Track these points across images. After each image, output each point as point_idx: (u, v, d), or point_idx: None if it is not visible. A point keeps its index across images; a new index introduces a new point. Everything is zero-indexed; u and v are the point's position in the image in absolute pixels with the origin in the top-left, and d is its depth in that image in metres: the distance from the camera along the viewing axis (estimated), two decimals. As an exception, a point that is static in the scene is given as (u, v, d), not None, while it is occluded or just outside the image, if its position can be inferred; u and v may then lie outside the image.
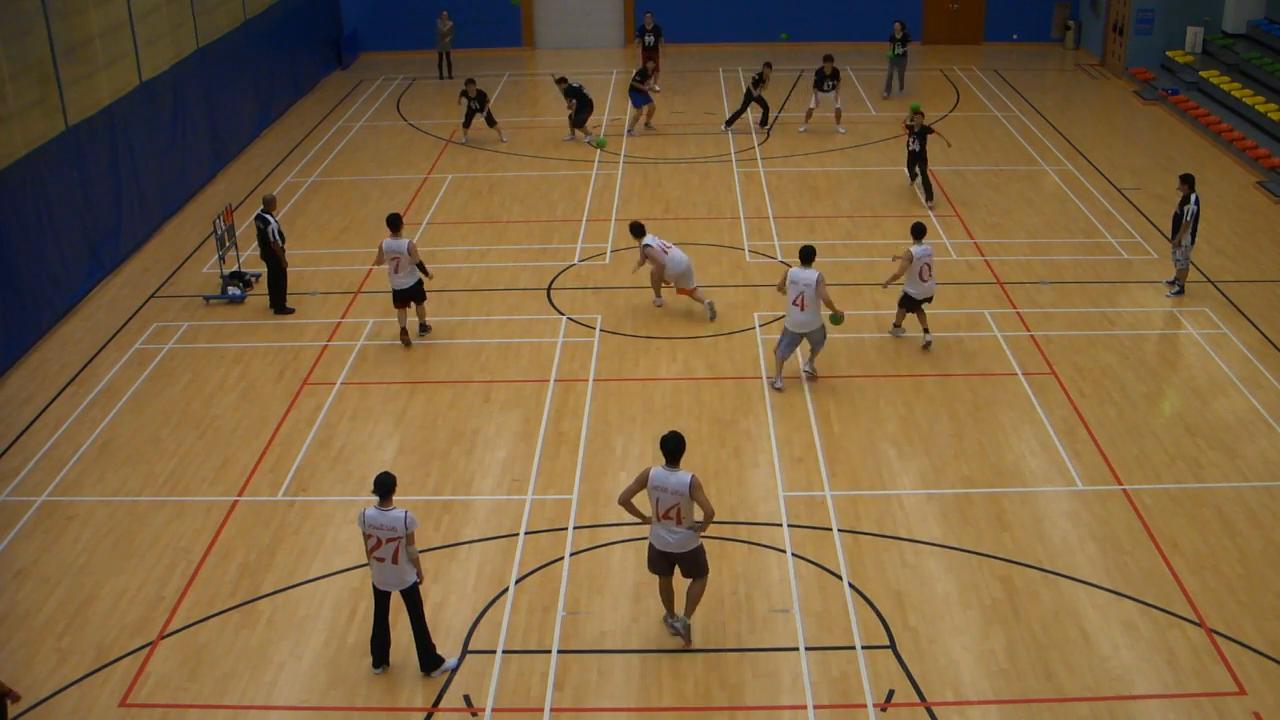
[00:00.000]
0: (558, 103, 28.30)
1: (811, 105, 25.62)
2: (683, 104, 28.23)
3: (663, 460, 10.38)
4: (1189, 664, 10.55)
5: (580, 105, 25.01)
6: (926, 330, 15.94)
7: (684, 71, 30.98)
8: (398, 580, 10.27)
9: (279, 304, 17.58)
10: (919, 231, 15.82)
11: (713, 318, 16.90)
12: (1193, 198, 17.05)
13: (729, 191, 22.20)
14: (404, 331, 16.38)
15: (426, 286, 16.64)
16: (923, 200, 21.17)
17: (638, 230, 17.09)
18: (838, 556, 12.01)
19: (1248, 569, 11.75)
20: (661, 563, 10.66)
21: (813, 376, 15.30)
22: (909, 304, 15.92)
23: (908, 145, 21.45)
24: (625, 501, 10.51)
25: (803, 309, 14.57)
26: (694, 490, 10.20)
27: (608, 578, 11.79)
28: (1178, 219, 17.19)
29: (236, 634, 11.17)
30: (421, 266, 16.16)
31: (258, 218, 17.38)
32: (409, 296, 16.36)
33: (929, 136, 21.09)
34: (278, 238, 17.14)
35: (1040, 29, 33.73)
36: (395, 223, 16.14)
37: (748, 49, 32.02)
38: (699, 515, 10.42)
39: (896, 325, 16.39)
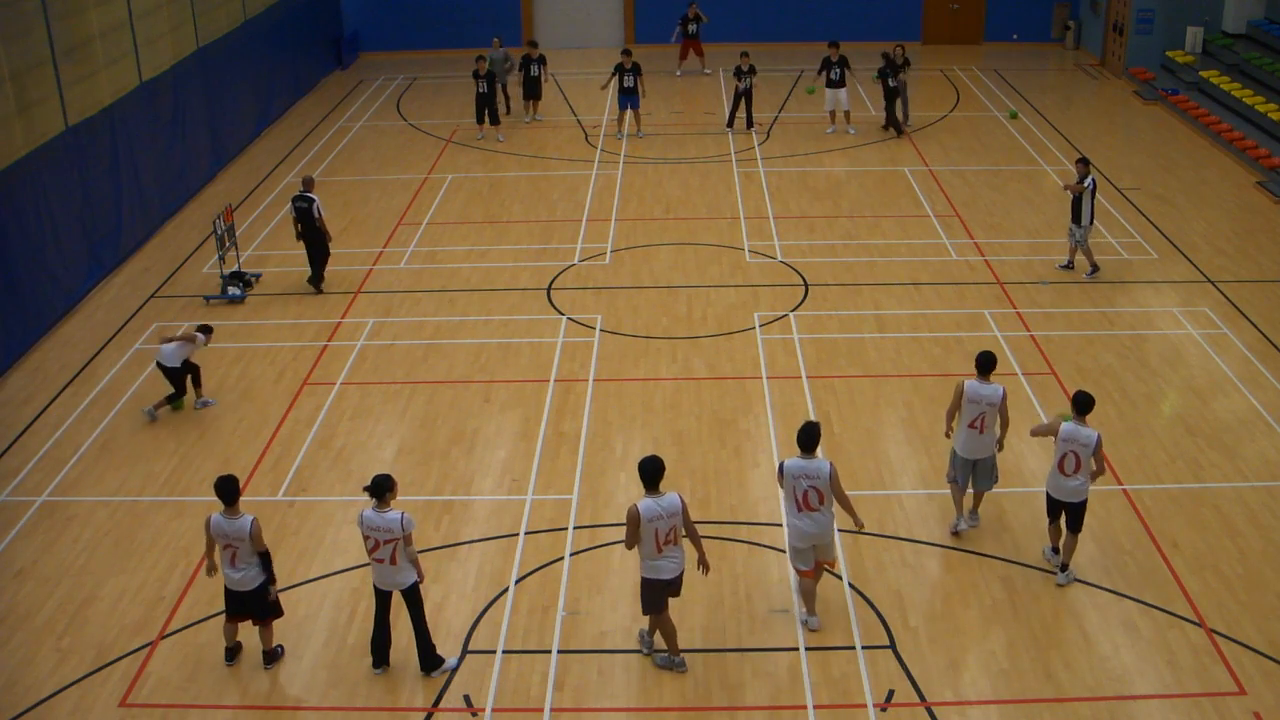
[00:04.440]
0: (557, 102, 28.32)
1: (829, 108, 25.37)
2: (682, 104, 28.22)
3: (644, 493, 10.09)
4: (1189, 664, 10.55)
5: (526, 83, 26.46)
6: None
7: (685, 72, 30.95)
8: (397, 580, 10.29)
9: (319, 280, 18.21)
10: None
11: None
12: (1088, 179, 17.71)
13: (729, 191, 22.19)
14: (231, 650, 10.73)
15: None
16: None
17: None
18: (838, 556, 11.99)
19: (1248, 569, 11.76)
20: (663, 595, 10.34)
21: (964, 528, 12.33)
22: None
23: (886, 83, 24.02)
24: (632, 547, 10.21)
25: (981, 430, 11.86)
26: (685, 509, 10.10)
27: (608, 578, 11.79)
28: (1075, 201, 17.93)
29: (236, 634, 11.18)
30: (265, 561, 10.42)
31: (301, 198, 17.82)
32: (247, 605, 10.53)
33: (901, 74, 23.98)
34: (320, 214, 17.83)
35: (1040, 29, 33.72)
36: (229, 490, 10.25)
37: (749, 49, 31.94)
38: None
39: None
